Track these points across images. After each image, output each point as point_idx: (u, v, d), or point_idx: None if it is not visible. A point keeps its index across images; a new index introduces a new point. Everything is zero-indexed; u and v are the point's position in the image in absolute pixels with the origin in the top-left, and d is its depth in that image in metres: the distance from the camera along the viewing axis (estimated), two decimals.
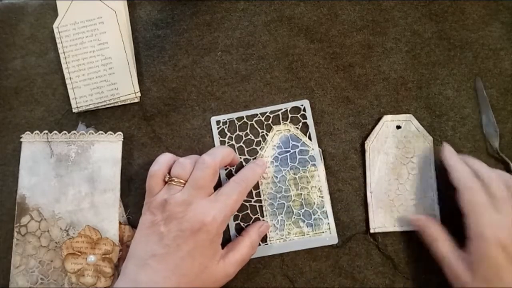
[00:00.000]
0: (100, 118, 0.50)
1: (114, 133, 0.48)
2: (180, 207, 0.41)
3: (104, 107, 0.50)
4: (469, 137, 0.49)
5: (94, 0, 0.50)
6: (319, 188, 0.48)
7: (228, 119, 0.49)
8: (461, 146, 0.49)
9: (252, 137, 0.49)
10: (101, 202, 0.47)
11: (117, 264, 0.46)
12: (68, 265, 0.45)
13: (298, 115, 0.49)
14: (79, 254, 0.45)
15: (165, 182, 0.43)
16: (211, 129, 0.49)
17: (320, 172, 0.48)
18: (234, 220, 0.48)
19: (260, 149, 0.49)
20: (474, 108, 0.50)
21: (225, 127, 0.49)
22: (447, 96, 0.50)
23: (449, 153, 0.45)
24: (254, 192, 0.48)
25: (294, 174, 0.48)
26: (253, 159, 0.49)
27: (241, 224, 0.48)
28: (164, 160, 0.44)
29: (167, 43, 0.51)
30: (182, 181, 0.42)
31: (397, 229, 0.47)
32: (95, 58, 0.50)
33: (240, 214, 0.48)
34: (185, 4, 0.52)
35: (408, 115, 0.48)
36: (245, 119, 0.49)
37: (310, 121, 0.49)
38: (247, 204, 0.48)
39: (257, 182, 0.48)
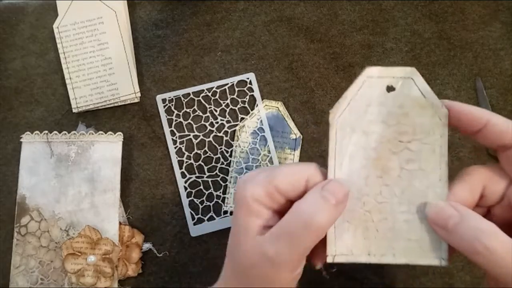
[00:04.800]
0: (100, 118, 0.50)
1: (114, 133, 0.48)
2: None
3: (104, 107, 0.50)
4: (469, 137, 0.49)
5: (94, 0, 0.50)
6: None
7: (174, 96, 0.50)
8: (461, 146, 0.49)
9: (200, 113, 0.49)
10: (101, 202, 0.47)
11: (117, 264, 0.46)
12: (68, 265, 0.45)
13: (245, 89, 0.50)
14: (79, 254, 0.45)
15: None
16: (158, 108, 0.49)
17: (295, 158, 0.48)
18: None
19: (240, 119, 0.49)
20: None
21: (172, 104, 0.50)
22: (447, 96, 0.50)
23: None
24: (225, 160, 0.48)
25: (269, 152, 0.48)
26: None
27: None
28: None
29: (167, 43, 0.51)
30: None
31: (374, 260, 0.29)
32: (95, 58, 0.50)
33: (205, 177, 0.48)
34: (185, 4, 0.52)
35: (408, 68, 0.29)
36: (191, 96, 0.50)
37: (257, 93, 0.49)
38: (217, 165, 0.48)
39: (231, 151, 0.48)
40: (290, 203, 0.28)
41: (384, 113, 0.29)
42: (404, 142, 0.29)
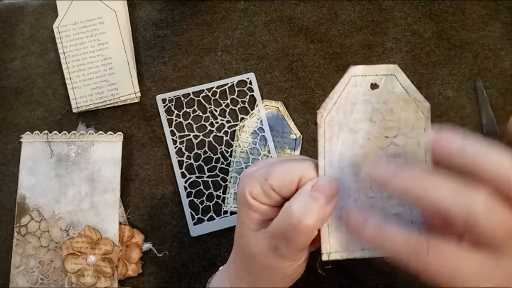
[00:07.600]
0: (100, 118, 0.50)
1: (114, 133, 0.48)
2: None
3: (104, 107, 0.50)
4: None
5: (94, 0, 0.50)
6: None
7: (174, 96, 0.50)
8: None
9: (200, 113, 0.50)
10: (101, 202, 0.47)
11: (117, 264, 0.46)
12: (68, 265, 0.45)
13: (245, 89, 0.50)
14: (79, 254, 0.45)
15: None
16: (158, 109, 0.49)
17: None
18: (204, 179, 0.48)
19: (240, 119, 0.49)
20: (474, 108, 0.50)
21: (172, 104, 0.50)
22: (447, 96, 0.50)
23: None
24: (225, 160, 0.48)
25: (269, 152, 0.48)
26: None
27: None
28: None
29: (167, 43, 0.51)
30: None
31: (367, 254, 0.30)
32: (95, 58, 0.50)
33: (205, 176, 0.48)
34: (185, 4, 0.52)
35: (391, 65, 0.31)
36: (191, 96, 0.50)
37: (257, 93, 0.49)
38: (217, 165, 0.48)
39: (231, 151, 0.48)
40: (287, 199, 0.29)
41: (370, 110, 0.30)
42: (390, 137, 0.30)
